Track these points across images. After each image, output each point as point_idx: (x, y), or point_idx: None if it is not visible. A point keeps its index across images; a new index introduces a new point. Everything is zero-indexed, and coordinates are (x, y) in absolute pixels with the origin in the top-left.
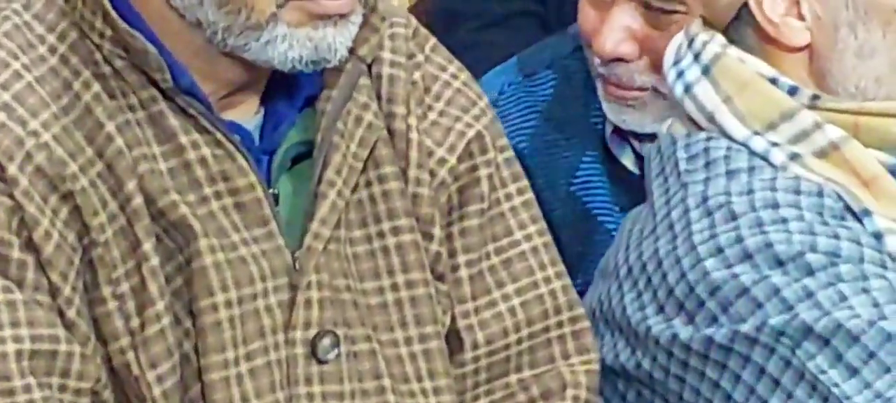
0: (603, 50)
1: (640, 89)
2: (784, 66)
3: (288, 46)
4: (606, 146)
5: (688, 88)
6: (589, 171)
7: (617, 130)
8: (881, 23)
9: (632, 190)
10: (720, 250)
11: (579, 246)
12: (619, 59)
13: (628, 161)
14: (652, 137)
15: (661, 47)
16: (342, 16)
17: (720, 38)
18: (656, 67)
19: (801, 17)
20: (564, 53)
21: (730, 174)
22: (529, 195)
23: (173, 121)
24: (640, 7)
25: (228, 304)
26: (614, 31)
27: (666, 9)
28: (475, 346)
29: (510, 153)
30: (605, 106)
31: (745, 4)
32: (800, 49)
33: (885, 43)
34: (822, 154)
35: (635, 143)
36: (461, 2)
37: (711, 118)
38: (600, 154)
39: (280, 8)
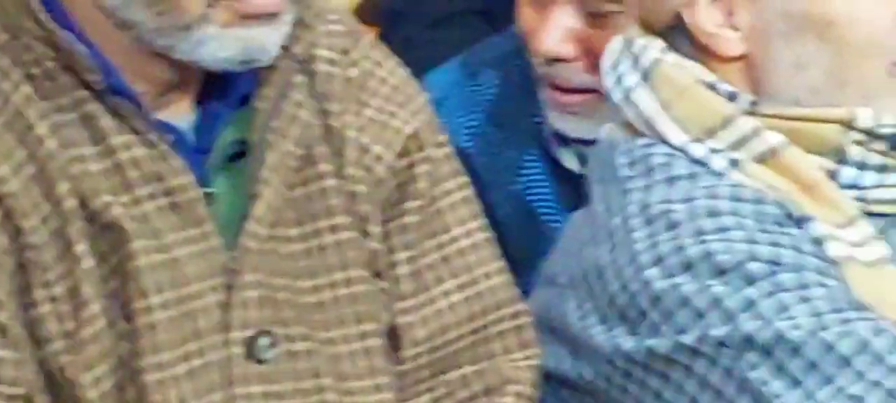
0: (542, 50)
1: (582, 91)
2: (721, 74)
3: (218, 46)
4: (548, 146)
5: (627, 94)
6: (532, 170)
7: (557, 132)
8: (815, 34)
9: (576, 188)
10: (661, 259)
11: (524, 245)
12: (559, 59)
13: (570, 161)
14: (594, 141)
15: (601, 47)
16: (272, 15)
17: (659, 43)
18: (597, 67)
19: (736, 28)
20: (508, 52)
21: (670, 181)
22: (469, 191)
23: (106, 121)
24: (580, 6)
25: (164, 306)
26: (554, 31)
27: (605, 10)
28: (415, 343)
29: (449, 149)
30: (547, 111)
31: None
32: (735, 59)
33: (820, 54)
34: (762, 159)
35: (578, 144)
36: (403, 0)
37: (651, 124)
38: (543, 153)
39: (210, 8)
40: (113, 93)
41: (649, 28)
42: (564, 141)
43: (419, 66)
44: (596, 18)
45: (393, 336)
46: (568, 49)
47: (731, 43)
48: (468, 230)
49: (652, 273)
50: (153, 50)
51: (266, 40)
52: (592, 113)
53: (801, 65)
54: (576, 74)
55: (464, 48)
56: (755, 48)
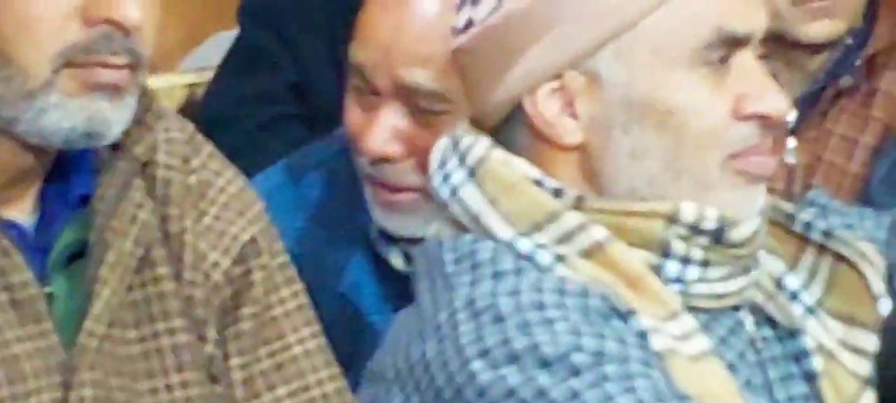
0: (370, 149)
1: (409, 190)
2: (556, 165)
3: (62, 115)
4: (375, 246)
5: (454, 191)
6: (357, 271)
7: (384, 231)
8: (655, 124)
9: (401, 288)
10: (487, 352)
11: (350, 347)
12: (387, 159)
13: (397, 260)
14: (420, 239)
15: (428, 146)
16: (117, 89)
17: (485, 140)
18: (424, 167)
19: (576, 117)
20: (331, 155)
21: (496, 276)
22: (304, 299)
23: None
24: (408, 107)
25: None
26: (381, 131)
27: (433, 109)
28: None
29: (284, 257)
30: (373, 210)
31: (519, 104)
32: (573, 148)
33: (659, 144)
34: (587, 255)
35: (404, 243)
36: (230, 106)
37: (477, 220)
38: (368, 254)
39: (54, 74)
40: None
41: (480, 124)
42: (391, 240)
43: (248, 171)
44: (423, 118)
45: None
46: (395, 149)
47: (569, 131)
48: (301, 337)
49: (478, 365)
50: None
51: (110, 115)
52: (418, 211)
53: (639, 154)
54: (403, 174)
55: (286, 153)
56: (594, 137)
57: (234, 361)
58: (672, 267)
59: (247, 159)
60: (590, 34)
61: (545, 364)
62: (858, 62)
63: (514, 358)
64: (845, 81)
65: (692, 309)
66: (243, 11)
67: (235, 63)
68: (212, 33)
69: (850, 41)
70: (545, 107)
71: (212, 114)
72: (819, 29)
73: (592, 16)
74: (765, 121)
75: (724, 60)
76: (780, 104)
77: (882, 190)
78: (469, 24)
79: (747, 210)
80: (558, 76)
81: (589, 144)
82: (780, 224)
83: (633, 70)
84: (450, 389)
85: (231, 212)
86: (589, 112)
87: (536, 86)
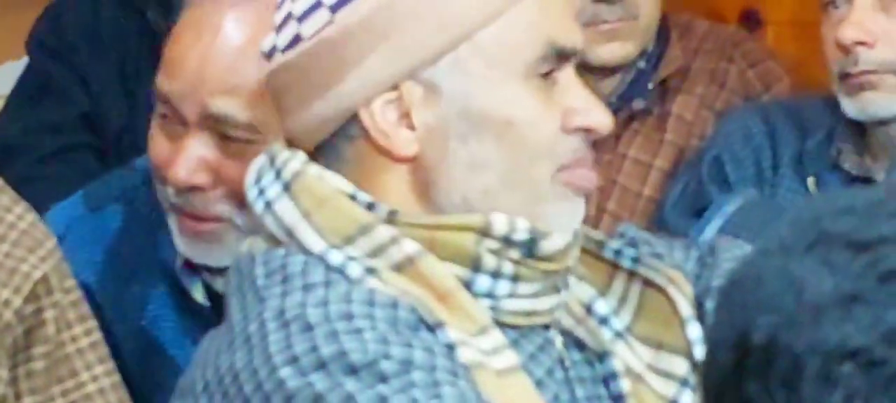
0: (177, 179)
1: (216, 220)
2: (386, 177)
3: None
4: (176, 279)
5: (268, 205)
6: (158, 304)
7: (188, 263)
8: (493, 135)
9: (203, 322)
10: (295, 359)
11: (150, 381)
12: (195, 188)
13: (198, 294)
14: (224, 271)
15: (236, 175)
16: None
17: (302, 156)
18: (232, 196)
19: (412, 128)
20: (132, 186)
21: (306, 287)
22: (97, 336)
23: None
24: (216, 136)
25: None
26: (188, 161)
27: (241, 139)
28: None
29: (77, 294)
30: (178, 240)
31: (355, 116)
32: (407, 160)
33: (497, 156)
34: (398, 268)
35: (206, 275)
36: (15, 136)
37: (291, 233)
38: (170, 287)
39: None
40: None
41: (302, 142)
42: (194, 272)
43: (33, 202)
44: (231, 148)
45: None
46: (203, 178)
47: (405, 142)
48: (95, 375)
49: (286, 372)
50: None
51: None
52: (223, 240)
53: (477, 166)
54: (210, 203)
55: (77, 183)
56: (430, 149)
57: (27, 401)
58: (483, 282)
59: (35, 190)
60: (427, 45)
61: (353, 370)
62: (651, 85)
63: (321, 365)
64: (638, 104)
65: (502, 325)
66: (33, 41)
67: (24, 93)
68: (1, 63)
69: (642, 64)
70: (381, 119)
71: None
72: (609, 52)
73: (430, 27)
74: (589, 135)
75: (551, 74)
76: (604, 118)
77: (675, 213)
78: (296, 40)
79: (571, 223)
80: (395, 87)
81: (424, 156)
82: (591, 251)
83: (471, 81)
84: (258, 396)
85: (22, 249)
86: (426, 123)
87: (373, 97)
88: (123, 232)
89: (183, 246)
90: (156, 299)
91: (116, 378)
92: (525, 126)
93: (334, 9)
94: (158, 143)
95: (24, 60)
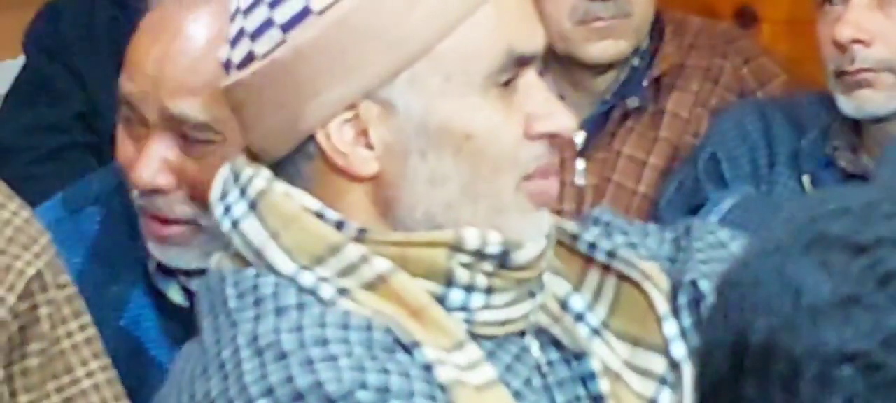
0: (140, 181)
1: (181, 222)
2: (347, 196)
3: None
4: (153, 280)
5: (235, 224)
6: (138, 305)
7: (162, 265)
8: (452, 149)
9: (182, 322)
10: (271, 390)
11: (133, 382)
12: (157, 190)
13: (175, 294)
14: (200, 272)
15: (198, 177)
16: None
17: (266, 173)
18: (195, 197)
19: (371, 146)
20: (110, 188)
21: (279, 311)
22: (92, 331)
23: None
24: (177, 137)
25: None
26: (150, 162)
27: (202, 139)
28: None
29: (72, 290)
30: (148, 243)
31: (312, 136)
32: (367, 179)
33: (457, 169)
34: (370, 287)
35: (181, 278)
36: (12, 136)
37: (259, 254)
38: (148, 287)
39: None
40: None
41: (264, 154)
42: (169, 273)
43: (29, 203)
44: (193, 149)
45: None
46: (166, 180)
47: (364, 161)
48: (90, 370)
49: None
50: None
51: None
52: (191, 242)
53: (438, 181)
54: (175, 205)
55: (72, 183)
56: (389, 166)
57: (22, 398)
58: (456, 296)
59: (31, 189)
60: (382, 63)
61: (329, 402)
62: (645, 83)
63: (298, 397)
64: (632, 102)
65: (477, 337)
66: (29, 40)
67: (21, 92)
68: None
69: (636, 62)
70: (338, 139)
71: None
72: (603, 49)
73: (384, 45)
74: (553, 140)
75: (511, 81)
76: (567, 121)
77: (670, 211)
78: (249, 58)
79: (534, 234)
80: (352, 107)
81: (384, 173)
82: (565, 244)
83: (428, 97)
84: None
85: (16, 246)
86: (384, 141)
87: (329, 120)
88: (102, 233)
89: (153, 250)
90: (135, 299)
91: (112, 373)
92: (486, 138)
93: (285, 28)
94: (123, 145)
95: (21, 60)
